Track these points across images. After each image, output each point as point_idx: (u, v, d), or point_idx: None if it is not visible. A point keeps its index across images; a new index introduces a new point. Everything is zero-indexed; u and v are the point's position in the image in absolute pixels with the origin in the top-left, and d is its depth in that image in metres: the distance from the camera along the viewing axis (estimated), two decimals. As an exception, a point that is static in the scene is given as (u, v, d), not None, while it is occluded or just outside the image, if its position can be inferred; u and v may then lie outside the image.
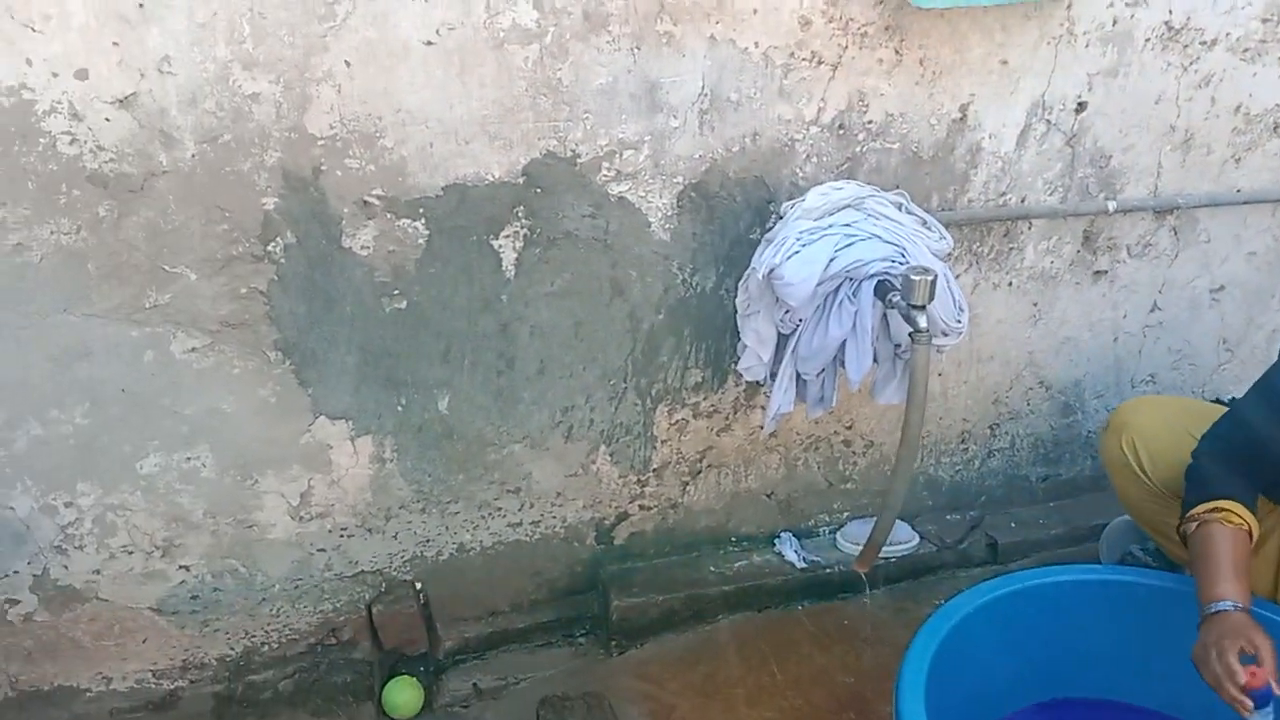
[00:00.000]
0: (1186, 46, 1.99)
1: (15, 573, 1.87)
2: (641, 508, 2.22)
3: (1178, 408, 1.86)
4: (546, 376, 1.97)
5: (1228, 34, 2.00)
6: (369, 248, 1.74)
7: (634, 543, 2.27)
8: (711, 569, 2.28)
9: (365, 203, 1.70)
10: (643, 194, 1.84)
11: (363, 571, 2.09)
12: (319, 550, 2.03)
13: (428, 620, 2.17)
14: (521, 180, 1.75)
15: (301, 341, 1.79)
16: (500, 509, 2.10)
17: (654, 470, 2.18)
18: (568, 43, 1.65)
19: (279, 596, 2.05)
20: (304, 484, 1.95)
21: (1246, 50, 2.03)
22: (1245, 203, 2.22)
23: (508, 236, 1.81)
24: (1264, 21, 2.01)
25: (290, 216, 1.67)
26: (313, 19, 1.52)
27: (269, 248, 1.69)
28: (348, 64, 1.57)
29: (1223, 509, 1.61)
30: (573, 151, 1.75)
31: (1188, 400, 2.12)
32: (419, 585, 2.14)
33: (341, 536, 2.03)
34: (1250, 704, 1.43)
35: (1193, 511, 1.65)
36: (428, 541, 2.10)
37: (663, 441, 2.15)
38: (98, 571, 1.91)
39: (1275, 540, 1.88)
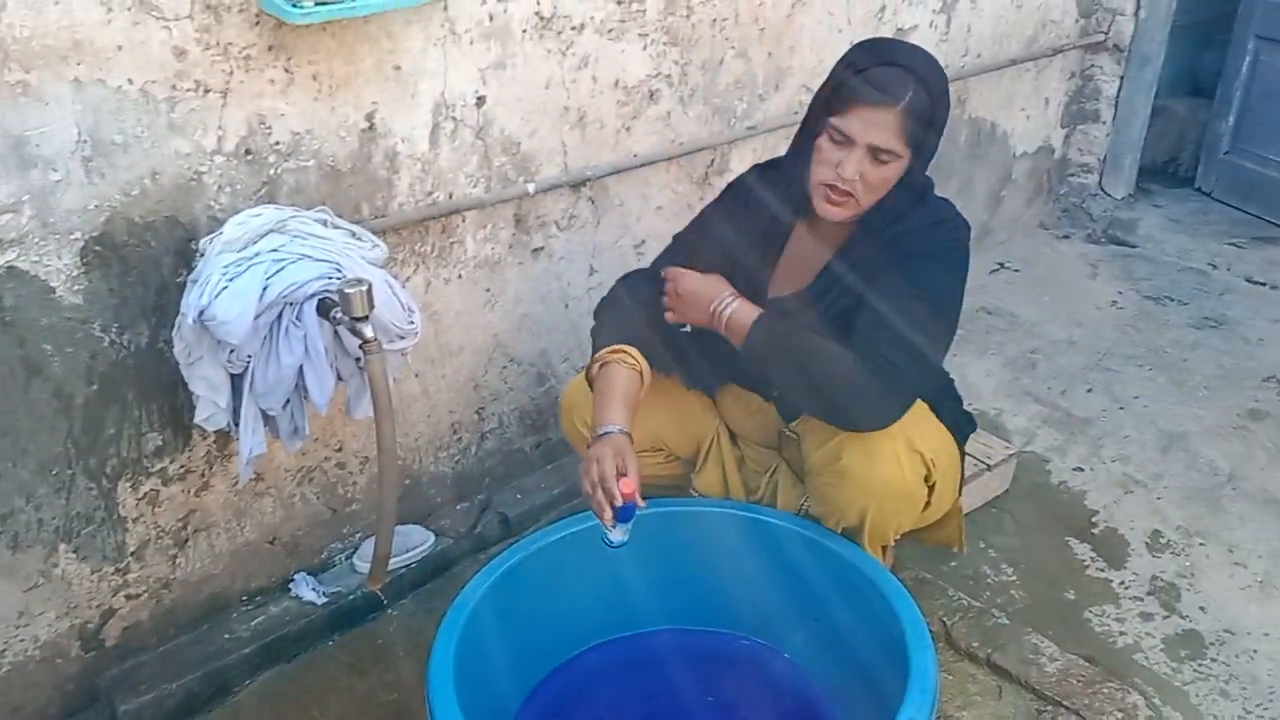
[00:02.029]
0: (560, 33, 2.17)
1: None
2: (129, 598, 2.01)
3: None
4: (-32, 486, 1.70)
5: (592, 18, 2.21)
6: None
7: (131, 637, 2.04)
8: (226, 636, 2.12)
9: None
10: (36, 259, 1.64)
11: None
12: None
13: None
14: None
15: None
16: (-52, 651, 1.79)
17: (133, 554, 1.97)
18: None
19: None
20: None
21: (611, 30, 2.26)
22: (642, 165, 2.48)
23: None
24: (619, 4, 2.25)
25: None
26: None
27: None
28: None
29: (621, 352, 1.84)
30: (-69, 228, 1.51)
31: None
32: None
33: None
34: (611, 514, 1.67)
35: (596, 355, 1.86)
36: None
37: (135, 520, 1.95)
38: None
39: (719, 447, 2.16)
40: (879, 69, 1.68)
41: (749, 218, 1.93)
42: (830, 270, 1.85)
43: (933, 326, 1.73)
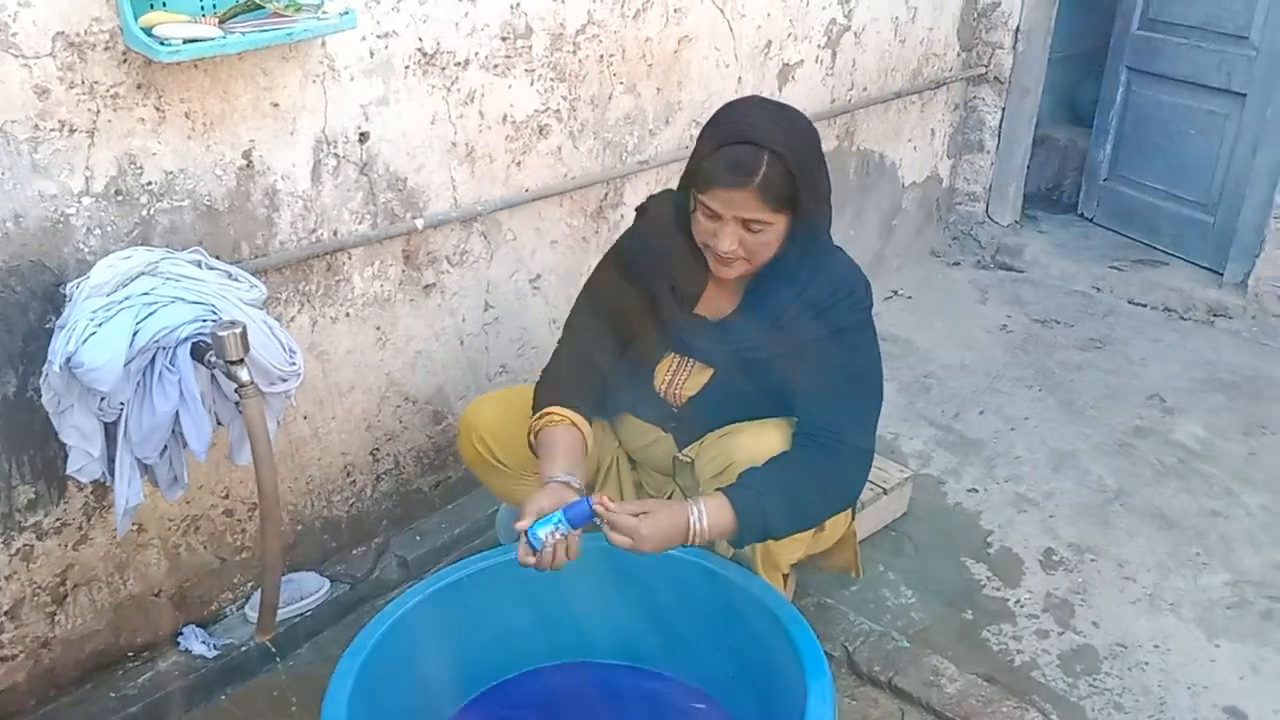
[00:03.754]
0: (444, 69, 2.16)
1: None
2: (4, 659, 1.91)
3: (514, 395, 2.04)
4: None
5: (476, 53, 2.21)
6: None
7: (7, 701, 1.94)
8: (112, 695, 2.03)
9: None
10: (-112, 307, 1.56)
11: None
12: None
13: None
14: None
15: None
16: None
17: (7, 613, 1.88)
18: None
19: None
20: None
21: (496, 66, 2.26)
22: (535, 199, 2.48)
23: None
24: (503, 40, 2.25)
25: None
26: None
27: None
28: None
29: (548, 414, 1.84)
30: None
31: (522, 387, 2.33)
32: None
33: None
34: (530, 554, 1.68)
35: (531, 427, 1.87)
36: None
37: (8, 577, 1.86)
38: None
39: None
40: (729, 149, 1.66)
41: (676, 236, 1.88)
42: (748, 301, 1.87)
43: (876, 397, 1.89)
